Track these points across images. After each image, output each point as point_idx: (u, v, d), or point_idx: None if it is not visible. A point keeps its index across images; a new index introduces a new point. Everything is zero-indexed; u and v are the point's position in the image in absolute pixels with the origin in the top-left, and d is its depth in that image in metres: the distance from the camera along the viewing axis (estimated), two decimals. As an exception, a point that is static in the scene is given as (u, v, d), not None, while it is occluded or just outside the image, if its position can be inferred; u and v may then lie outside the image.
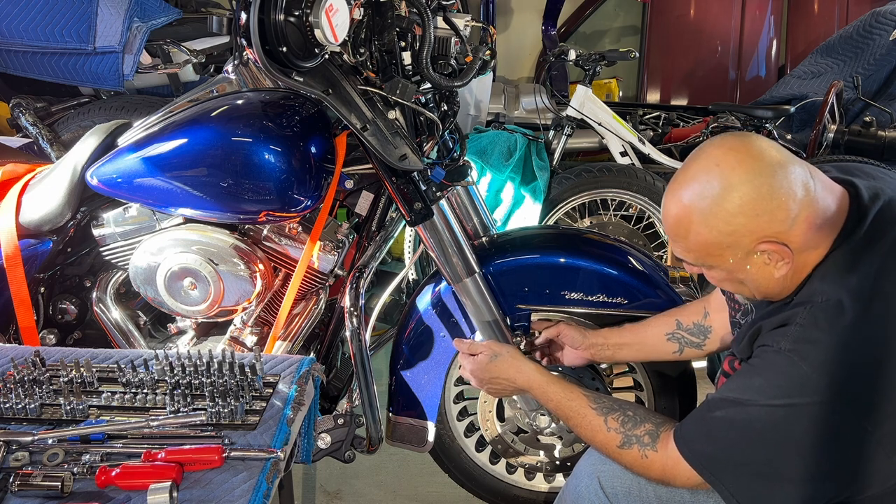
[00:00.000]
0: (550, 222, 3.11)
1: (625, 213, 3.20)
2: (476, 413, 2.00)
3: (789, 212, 1.14)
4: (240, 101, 1.73)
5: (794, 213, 1.14)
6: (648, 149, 3.26)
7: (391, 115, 1.59)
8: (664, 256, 2.96)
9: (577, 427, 1.43)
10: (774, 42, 4.72)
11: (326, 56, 1.47)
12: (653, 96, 4.79)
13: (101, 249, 1.89)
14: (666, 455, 1.28)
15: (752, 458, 1.19)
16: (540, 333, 1.78)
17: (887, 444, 1.14)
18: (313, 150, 1.68)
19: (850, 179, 1.23)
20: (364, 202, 1.90)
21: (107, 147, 1.85)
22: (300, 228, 1.81)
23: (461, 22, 1.65)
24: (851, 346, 1.13)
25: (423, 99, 1.67)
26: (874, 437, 1.13)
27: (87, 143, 1.86)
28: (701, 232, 1.18)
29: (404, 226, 2.04)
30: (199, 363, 1.40)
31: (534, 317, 1.79)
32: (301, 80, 1.46)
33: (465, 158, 1.80)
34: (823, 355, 1.13)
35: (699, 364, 1.84)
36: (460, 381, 1.97)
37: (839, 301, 1.14)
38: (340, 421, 1.78)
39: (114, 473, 1.12)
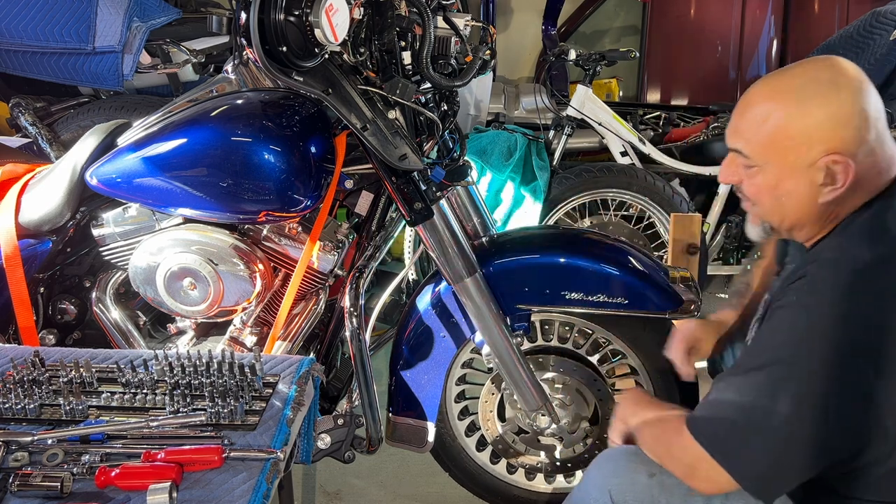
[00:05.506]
0: (550, 222, 3.11)
1: (625, 213, 3.19)
2: (477, 413, 2.00)
3: (868, 137, 1.14)
4: (240, 101, 1.73)
5: (871, 140, 1.14)
6: (649, 149, 3.26)
7: (391, 114, 1.59)
8: (664, 256, 2.96)
9: (657, 452, 1.30)
10: (774, 42, 4.71)
11: (326, 56, 1.47)
12: (653, 96, 4.78)
13: (101, 249, 1.89)
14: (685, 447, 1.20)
15: (761, 418, 1.14)
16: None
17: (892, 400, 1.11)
18: (313, 150, 1.68)
19: None
20: (364, 202, 1.90)
21: (106, 147, 1.85)
22: (300, 228, 1.81)
23: (461, 22, 1.65)
24: (859, 299, 1.11)
25: (423, 99, 1.67)
26: (880, 390, 1.10)
27: (87, 143, 1.86)
28: (783, 119, 1.15)
29: (404, 226, 2.04)
30: (198, 363, 1.40)
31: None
32: (301, 79, 1.46)
33: (465, 158, 1.80)
34: (828, 307, 1.11)
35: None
36: (461, 380, 1.97)
37: (853, 256, 1.13)
38: (340, 421, 1.78)
39: (113, 474, 1.12)
